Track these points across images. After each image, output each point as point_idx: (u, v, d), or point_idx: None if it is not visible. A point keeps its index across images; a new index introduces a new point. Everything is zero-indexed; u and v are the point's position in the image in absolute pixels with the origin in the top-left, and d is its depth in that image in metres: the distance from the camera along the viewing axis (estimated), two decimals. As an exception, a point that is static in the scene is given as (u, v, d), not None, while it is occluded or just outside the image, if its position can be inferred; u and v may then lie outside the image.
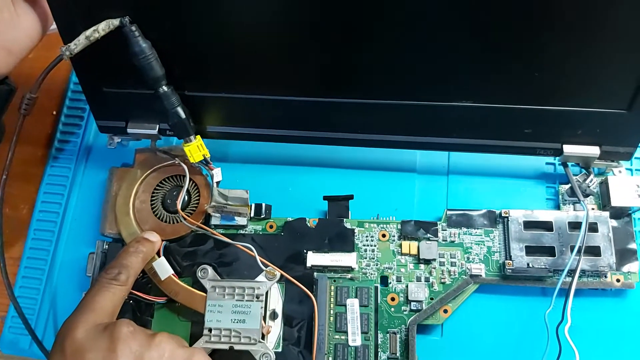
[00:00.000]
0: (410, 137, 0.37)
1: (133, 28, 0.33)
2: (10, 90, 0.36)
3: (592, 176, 0.38)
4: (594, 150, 0.36)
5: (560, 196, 0.39)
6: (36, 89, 0.36)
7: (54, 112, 0.45)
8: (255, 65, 0.35)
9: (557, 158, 0.39)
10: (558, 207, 0.38)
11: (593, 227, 0.36)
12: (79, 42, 0.33)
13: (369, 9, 0.31)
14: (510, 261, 0.36)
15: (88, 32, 0.32)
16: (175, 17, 0.33)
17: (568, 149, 0.36)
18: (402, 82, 0.34)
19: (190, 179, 0.38)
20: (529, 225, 0.37)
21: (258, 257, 0.35)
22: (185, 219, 0.37)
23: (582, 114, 0.34)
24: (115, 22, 0.32)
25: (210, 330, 0.34)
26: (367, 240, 0.37)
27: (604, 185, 0.37)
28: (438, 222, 0.37)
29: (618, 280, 0.36)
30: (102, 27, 0.32)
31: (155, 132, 0.38)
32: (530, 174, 0.40)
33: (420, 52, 0.33)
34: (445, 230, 0.37)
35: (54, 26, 0.34)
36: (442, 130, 0.36)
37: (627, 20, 0.30)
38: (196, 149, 0.37)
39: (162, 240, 0.37)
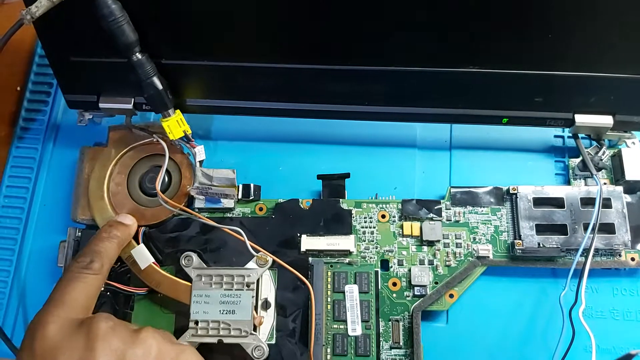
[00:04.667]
0: (409, 108, 0.34)
1: (101, -14, 0.29)
2: None
3: (604, 148, 0.35)
4: (607, 120, 0.34)
5: (570, 171, 0.36)
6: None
7: (18, 88, 0.41)
8: (238, 29, 0.31)
9: (568, 130, 0.36)
10: (568, 182, 0.36)
11: (606, 203, 0.34)
12: (41, 4, 0.29)
13: None
14: (520, 241, 0.33)
15: (50, -9, 0.29)
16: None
17: (580, 118, 0.34)
18: (398, 45, 0.31)
19: (170, 158, 0.35)
20: (538, 202, 0.34)
21: (248, 242, 0.32)
22: (166, 201, 0.33)
23: (596, 80, 0.32)
24: (82, -21, 0.29)
25: (196, 322, 0.31)
26: (365, 222, 0.35)
27: (617, 158, 0.35)
28: (441, 201, 0.35)
29: (633, 259, 0.34)
30: (67, -14, 0.29)
31: (130, 106, 0.35)
32: (537, 147, 0.38)
33: (417, 7, 0.29)
34: (450, 209, 0.35)
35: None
36: (444, 100, 0.34)
37: None
38: (176, 124, 0.33)
39: (142, 226, 0.34)
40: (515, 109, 0.34)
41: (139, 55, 0.31)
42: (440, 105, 0.34)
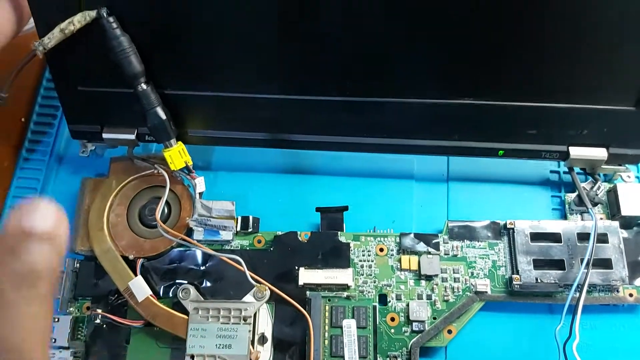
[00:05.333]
0: (406, 140, 0.35)
1: (111, 20, 0.30)
2: None
3: (599, 183, 0.36)
4: (601, 153, 0.34)
5: (566, 205, 0.36)
6: (7, 87, 0.33)
7: (22, 119, 0.41)
8: (240, 60, 0.32)
9: (563, 163, 0.37)
10: (565, 217, 0.36)
11: (603, 238, 0.34)
12: (53, 36, 0.30)
13: (353, 5, 0.29)
14: (518, 276, 0.33)
15: (63, 24, 0.30)
16: (155, 8, 0.30)
17: (574, 151, 0.34)
18: (395, 77, 0.32)
19: (170, 190, 0.35)
20: (536, 236, 0.34)
21: (248, 272, 0.32)
22: (166, 231, 0.33)
23: (588, 112, 0.32)
24: (92, 13, 0.30)
25: (192, 357, 0.31)
26: (363, 255, 0.35)
27: (613, 193, 0.35)
28: (439, 235, 0.35)
29: (631, 295, 0.34)
30: (78, 19, 0.30)
31: (133, 137, 0.35)
32: (534, 180, 0.38)
33: (415, 43, 0.30)
34: (447, 243, 0.35)
35: (29, 26, 0.32)
36: (440, 132, 0.34)
37: (631, 15, 0.28)
38: (177, 154, 0.34)
39: (140, 258, 0.34)
40: (510, 141, 0.34)
41: (144, 86, 0.32)
42: (436, 138, 0.35)
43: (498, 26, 0.29)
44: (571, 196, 0.36)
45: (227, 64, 0.32)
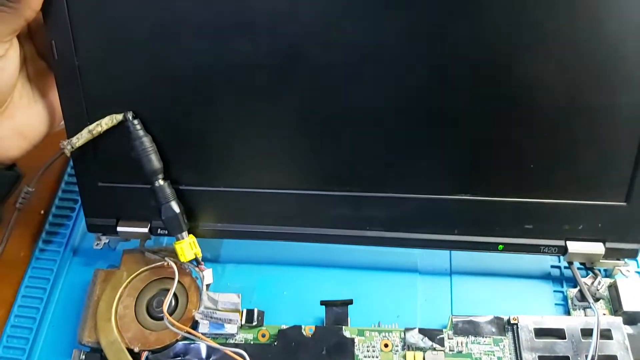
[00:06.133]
0: (408, 234, 0.36)
1: (135, 122, 0.33)
2: (17, 177, 0.36)
3: (599, 278, 0.36)
4: (598, 248, 0.35)
5: (569, 300, 0.37)
6: (35, 182, 0.35)
7: (42, 212, 0.43)
8: (253, 159, 0.35)
9: (562, 257, 0.38)
10: (568, 313, 0.36)
11: (607, 334, 0.34)
12: (82, 136, 0.33)
13: (358, 107, 0.32)
14: (525, 373, 0.33)
15: (91, 126, 0.33)
16: (177, 112, 0.33)
17: (572, 246, 0.35)
18: (397, 174, 0.34)
19: (178, 281, 0.36)
20: (540, 332, 0.34)
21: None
22: (172, 324, 0.34)
23: (580, 207, 0.34)
24: (119, 116, 0.33)
25: None
26: (368, 351, 0.35)
27: (614, 288, 0.36)
28: (444, 330, 0.35)
29: (641, 394, 0.33)
30: (106, 122, 0.33)
31: (146, 230, 0.37)
32: (536, 274, 0.38)
33: (414, 144, 0.33)
34: (452, 338, 0.35)
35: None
36: (440, 227, 0.36)
37: (615, 114, 0.31)
38: (188, 247, 0.36)
39: (145, 350, 0.34)
40: (509, 236, 0.35)
41: (161, 182, 0.35)
42: (437, 232, 0.36)
43: (489, 129, 0.32)
44: (573, 291, 0.37)
45: (241, 162, 0.35)
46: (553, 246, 0.36)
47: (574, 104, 0.31)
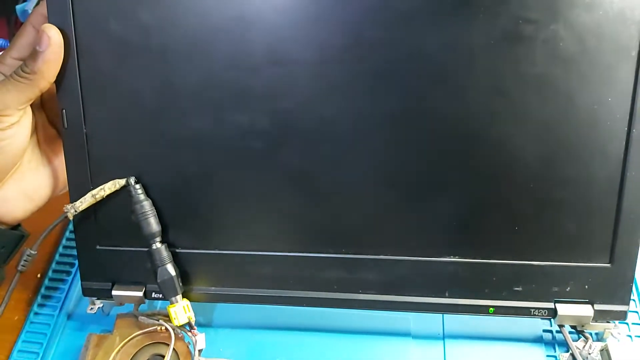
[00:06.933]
0: (400, 297, 0.37)
1: (137, 187, 0.34)
2: (22, 236, 0.37)
3: (590, 342, 0.36)
4: (587, 310, 0.36)
5: (563, 365, 0.37)
6: (37, 245, 0.36)
7: (39, 275, 0.44)
8: (248, 222, 0.36)
9: (553, 320, 0.38)
10: (563, 378, 0.36)
11: (604, 400, 0.34)
12: (85, 200, 0.35)
13: (350, 175, 0.34)
14: None
15: (95, 190, 0.34)
16: (177, 179, 0.35)
17: (561, 309, 0.36)
18: (389, 237, 0.35)
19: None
20: (535, 398, 0.34)
21: None
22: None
23: (567, 269, 0.35)
24: (122, 182, 0.35)
25: None
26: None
27: (605, 352, 0.36)
28: (438, 396, 0.35)
29: None
30: (109, 187, 0.34)
31: (140, 294, 0.37)
32: (528, 338, 0.38)
33: (406, 208, 0.35)
34: (446, 404, 0.34)
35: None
36: (432, 289, 0.36)
37: (591, 183, 0.33)
38: (182, 311, 0.36)
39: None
40: (499, 298, 0.36)
41: (158, 244, 0.35)
42: (429, 295, 0.36)
43: (475, 196, 0.34)
44: (565, 356, 0.37)
45: (237, 226, 0.36)
46: (543, 309, 0.36)
47: (552, 175, 0.33)
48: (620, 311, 0.35)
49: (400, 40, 0.32)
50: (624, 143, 0.32)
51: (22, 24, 0.34)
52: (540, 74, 0.32)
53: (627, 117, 0.32)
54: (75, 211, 0.34)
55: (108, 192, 0.34)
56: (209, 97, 0.34)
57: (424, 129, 0.33)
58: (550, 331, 0.39)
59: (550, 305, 0.36)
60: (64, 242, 0.46)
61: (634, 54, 0.31)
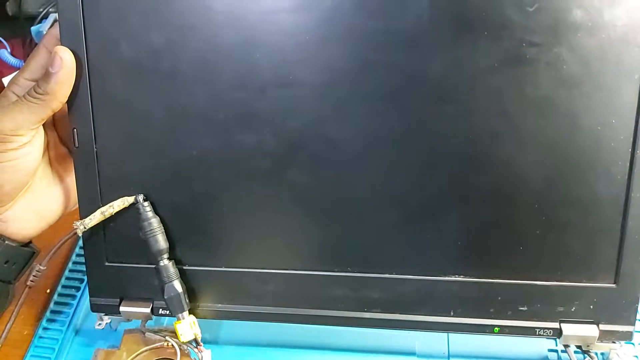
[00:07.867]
0: (406, 315, 0.37)
1: (146, 204, 0.35)
2: (32, 253, 0.38)
3: (595, 362, 0.36)
4: (592, 331, 0.35)
5: (569, 386, 0.36)
6: (46, 261, 0.37)
7: (48, 290, 0.44)
8: (257, 241, 0.37)
9: (558, 340, 0.38)
10: (569, 398, 0.36)
11: (610, 421, 0.33)
12: (94, 217, 0.35)
13: (356, 194, 0.34)
14: None
15: (104, 207, 0.35)
16: (186, 197, 0.36)
17: (566, 329, 0.35)
18: (395, 256, 0.36)
19: (177, 363, 0.36)
20: (540, 418, 0.34)
21: None
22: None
23: (572, 289, 0.35)
24: (130, 199, 0.35)
25: None
26: None
27: (612, 373, 0.36)
28: (443, 415, 0.35)
29: None
30: (118, 204, 0.35)
31: (147, 310, 0.38)
32: (534, 358, 0.39)
33: (411, 228, 0.35)
34: None
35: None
36: (437, 308, 0.36)
37: (595, 204, 0.33)
38: (188, 327, 0.36)
39: None
40: (504, 318, 0.36)
41: (166, 261, 0.36)
42: (434, 314, 0.36)
43: (480, 216, 0.34)
44: (571, 376, 0.37)
45: (244, 243, 0.37)
46: (548, 328, 0.36)
47: (557, 196, 0.33)
48: (626, 331, 0.35)
49: (405, 63, 0.32)
50: (628, 164, 0.33)
51: (37, 44, 0.35)
52: (544, 96, 0.32)
53: (631, 139, 0.32)
54: (85, 228, 0.35)
55: (117, 209, 0.35)
56: (217, 117, 0.34)
57: (429, 150, 0.34)
58: (556, 351, 0.39)
59: (556, 325, 0.36)
60: (73, 258, 0.46)
61: (637, 77, 0.31)
